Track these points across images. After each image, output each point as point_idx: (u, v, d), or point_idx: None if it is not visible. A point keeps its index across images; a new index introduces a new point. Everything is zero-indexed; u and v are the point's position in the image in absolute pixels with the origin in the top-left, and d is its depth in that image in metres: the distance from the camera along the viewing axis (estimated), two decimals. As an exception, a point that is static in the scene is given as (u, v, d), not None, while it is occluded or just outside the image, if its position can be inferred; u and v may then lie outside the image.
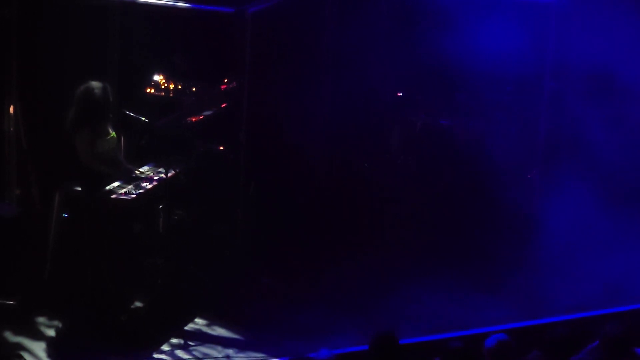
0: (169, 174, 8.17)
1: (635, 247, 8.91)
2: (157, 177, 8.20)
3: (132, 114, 8.17)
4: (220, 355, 7.57)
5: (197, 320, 8.11)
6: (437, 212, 9.65)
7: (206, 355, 7.58)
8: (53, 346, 7.58)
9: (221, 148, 9.06)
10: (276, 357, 7.43)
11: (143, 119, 8.16)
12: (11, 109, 8.69)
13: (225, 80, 9.32)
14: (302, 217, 9.49)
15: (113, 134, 7.98)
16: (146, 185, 8.06)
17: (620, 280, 8.45)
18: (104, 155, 7.91)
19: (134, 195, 7.86)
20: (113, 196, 7.81)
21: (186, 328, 7.98)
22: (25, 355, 7.19)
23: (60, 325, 7.83)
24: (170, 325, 7.96)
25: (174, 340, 7.75)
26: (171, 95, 9.17)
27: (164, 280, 8.22)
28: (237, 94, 9.04)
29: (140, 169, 8.26)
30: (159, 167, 8.33)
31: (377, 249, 9.27)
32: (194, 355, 7.55)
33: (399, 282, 8.68)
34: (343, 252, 9.22)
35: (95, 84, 7.82)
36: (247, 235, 8.96)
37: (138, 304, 8.15)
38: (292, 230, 9.33)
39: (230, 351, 7.64)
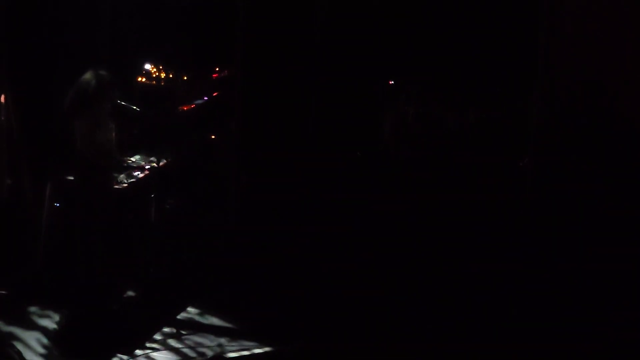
0: (161, 163, 8.17)
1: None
2: (149, 166, 8.21)
3: (123, 102, 8.15)
4: (212, 344, 7.57)
5: (189, 309, 8.12)
6: (430, 203, 9.66)
7: (198, 344, 7.58)
8: (45, 336, 7.57)
9: (213, 137, 9.07)
10: (268, 346, 7.44)
11: (134, 107, 8.15)
12: (2, 98, 8.67)
13: (217, 69, 9.31)
14: (295, 207, 9.49)
15: (111, 124, 7.99)
16: (138, 174, 8.06)
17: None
18: (101, 146, 7.91)
19: (126, 185, 7.86)
20: (105, 185, 7.81)
21: (178, 317, 7.99)
22: (17, 345, 7.20)
23: (52, 315, 7.83)
24: (163, 314, 7.97)
25: (166, 329, 7.76)
26: (162, 84, 9.17)
27: (156, 269, 8.23)
28: (229, 82, 9.05)
29: (132, 158, 8.26)
30: (151, 156, 8.33)
31: (370, 240, 9.28)
32: (186, 344, 7.56)
33: (392, 275, 8.71)
34: (335, 242, 9.23)
35: (97, 73, 7.80)
36: (239, 225, 8.97)
37: (130, 293, 8.16)
38: (285, 220, 9.34)
39: (222, 340, 7.64)
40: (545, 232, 8.88)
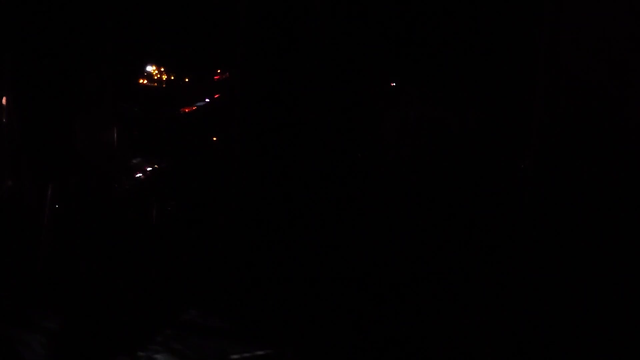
0: (162, 165, 8.17)
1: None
2: (150, 168, 8.21)
3: (125, 105, 8.16)
4: (214, 346, 7.56)
5: (191, 311, 8.10)
6: (431, 202, 9.66)
7: (200, 346, 7.56)
8: (47, 338, 7.56)
9: (214, 139, 9.07)
10: (270, 348, 7.43)
11: (136, 110, 8.15)
12: (4, 101, 8.68)
13: (219, 71, 9.32)
14: (296, 207, 9.50)
15: (113, 126, 7.99)
16: (139, 176, 8.06)
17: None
18: (102, 147, 7.92)
19: (127, 186, 7.87)
20: (106, 187, 7.81)
21: (180, 319, 7.97)
22: (19, 347, 7.18)
23: (54, 316, 7.82)
24: (165, 316, 7.95)
25: (168, 332, 7.74)
26: (164, 86, 9.17)
27: (158, 271, 8.22)
28: (230, 84, 9.05)
29: (134, 160, 8.26)
30: (152, 158, 8.33)
31: (372, 240, 9.28)
32: (188, 346, 7.54)
33: (392, 276, 8.71)
34: (338, 241, 9.23)
35: (98, 74, 7.81)
36: (241, 225, 8.96)
37: (132, 294, 8.15)
38: (286, 221, 9.34)
39: (224, 342, 7.63)
40: (546, 233, 8.89)
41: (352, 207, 9.71)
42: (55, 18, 8.59)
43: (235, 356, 7.35)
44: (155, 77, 9.11)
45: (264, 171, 9.34)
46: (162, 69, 9.09)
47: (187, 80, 9.15)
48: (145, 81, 9.08)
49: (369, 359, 7.33)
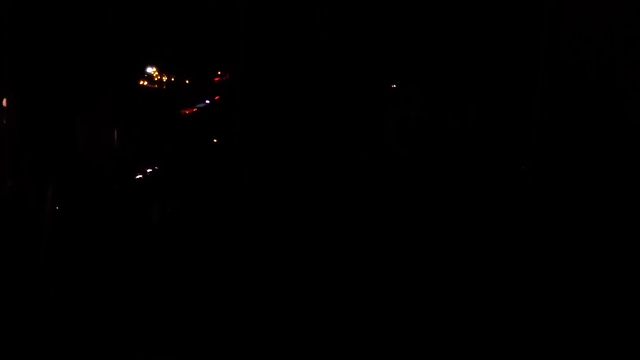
0: (162, 166, 8.17)
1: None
2: (150, 169, 8.21)
3: (125, 105, 8.17)
4: (214, 346, 7.57)
5: (190, 310, 8.11)
6: (431, 204, 9.65)
7: (202, 349, 7.57)
8: (47, 338, 7.56)
9: (215, 140, 9.07)
10: (271, 347, 7.43)
11: (136, 110, 8.16)
12: (4, 101, 8.68)
13: (219, 72, 9.33)
14: (297, 208, 9.49)
15: (113, 127, 8.00)
16: (140, 177, 8.07)
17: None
18: (102, 147, 7.92)
19: (127, 188, 7.87)
20: (107, 188, 7.82)
21: (180, 319, 7.97)
22: (17, 348, 7.19)
23: (54, 317, 7.82)
24: (164, 316, 7.95)
25: (167, 331, 7.74)
26: (164, 87, 9.18)
27: (158, 271, 8.22)
28: (231, 85, 9.06)
29: (134, 161, 8.26)
30: (152, 159, 8.33)
31: (372, 239, 9.27)
32: (188, 348, 7.55)
33: (392, 275, 8.70)
34: (339, 240, 9.22)
35: (98, 74, 7.82)
36: (242, 227, 8.96)
37: (131, 295, 8.15)
38: (286, 221, 9.33)
39: (226, 345, 7.63)
40: (547, 234, 8.87)
41: (352, 207, 9.70)
42: (55, 18, 8.60)
43: (235, 355, 7.37)
44: (156, 79, 9.11)
45: (265, 170, 9.33)
46: (163, 70, 9.09)
47: (187, 81, 9.15)
48: (146, 82, 9.09)
49: (370, 359, 7.33)
